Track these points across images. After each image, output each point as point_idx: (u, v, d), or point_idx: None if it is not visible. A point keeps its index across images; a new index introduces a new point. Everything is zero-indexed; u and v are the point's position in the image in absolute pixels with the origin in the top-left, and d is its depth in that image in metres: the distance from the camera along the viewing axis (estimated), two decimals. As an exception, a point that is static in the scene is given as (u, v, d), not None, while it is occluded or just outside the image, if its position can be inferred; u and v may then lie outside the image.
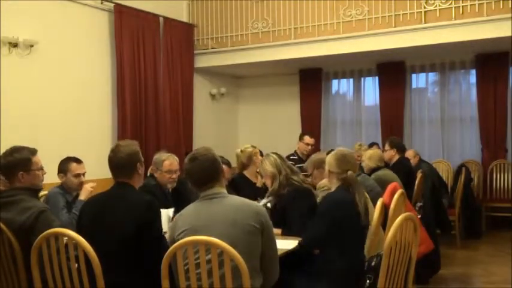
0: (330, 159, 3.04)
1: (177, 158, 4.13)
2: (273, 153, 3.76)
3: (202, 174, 2.39)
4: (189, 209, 2.40)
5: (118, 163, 2.61)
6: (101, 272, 2.28)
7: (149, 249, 2.44)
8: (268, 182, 3.68)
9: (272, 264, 2.41)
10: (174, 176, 4.02)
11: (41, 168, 2.84)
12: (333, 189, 3.01)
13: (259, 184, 4.52)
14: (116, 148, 2.66)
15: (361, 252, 2.91)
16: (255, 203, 2.45)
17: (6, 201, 2.62)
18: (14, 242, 2.51)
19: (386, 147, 5.52)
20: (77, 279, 2.33)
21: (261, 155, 4.77)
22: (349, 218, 2.81)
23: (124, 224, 2.47)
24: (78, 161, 3.76)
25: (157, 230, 2.55)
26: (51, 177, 3.37)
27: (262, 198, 3.85)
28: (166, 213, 3.27)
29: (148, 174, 4.73)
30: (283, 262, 2.59)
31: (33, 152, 2.80)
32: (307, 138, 6.45)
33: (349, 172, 2.98)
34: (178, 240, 2.23)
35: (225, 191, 2.43)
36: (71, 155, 3.86)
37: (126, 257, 2.47)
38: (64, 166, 3.70)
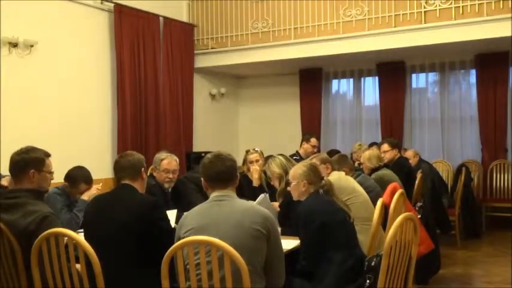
0: (306, 170, 3.01)
1: (176, 159, 4.14)
2: (279, 154, 3.82)
3: (222, 172, 2.41)
4: (197, 209, 2.42)
5: (125, 164, 2.73)
6: (100, 272, 2.28)
7: (159, 246, 2.45)
8: (276, 183, 3.73)
9: (277, 270, 2.41)
10: (171, 176, 4.03)
11: (51, 172, 2.86)
12: (304, 197, 3.00)
13: (255, 183, 4.57)
14: (124, 154, 2.86)
15: (357, 248, 2.91)
16: (263, 208, 2.46)
17: (11, 203, 2.62)
18: (14, 242, 2.51)
19: (386, 148, 5.51)
20: (77, 279, 2.34)
21: (266, 159, 4.83)
22: (332, 218, 2.82)
23: (130, 223, 2.50)
24: (89, 182, 3.75)
25: (163, 228, 2.59)
26: (50, 178, 3.38)
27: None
28: (170, 215, 3.28)
29: (148, 173, 4.75)
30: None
31: (47, 154, 2.84)
32: (314, 141, 6.39)
33: (325, 178, 3.08)
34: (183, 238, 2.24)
35: (235, 194, 2.45)
36: (71, 155, 3.86)
37: (131, 253, 2.50)
38: (75, 180, 3.69)
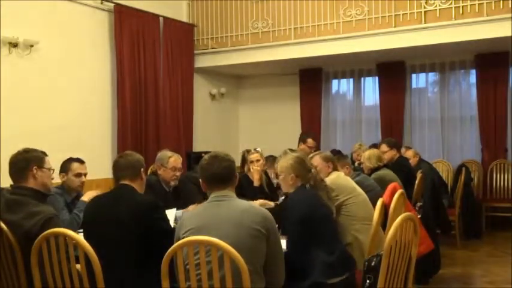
0: (293, 164, 3.00)
1: (181, 157, 4.23)
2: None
3: (220, 173, 2.41)
4: (197, 210, 2.43)
5: (125, 164, 2.74)
6: (100, 272, 2.28)
7: (158, 246, 2.45)
8: None
9: (277, 270, 2.42)
10: (178, 173, 4.10)
11: (51, 169, 2.91)
12: (292, 190, 3.01)
13: (256, 183, 4.57)
14: (123, 154, 2.87)
15: (340, 244, 2.94)
16: (263, 208, 2.46)
17: (14, 200, 2.64)
18: (15, 242, 2.51)
19: (385, 148, 5.50)
20: (77, 279, 2.34)
21: (267, 159, 4.83)
22: (315, 212, 2.83)
23: (130, 223, 2.51)
24: (80, 161, 3.81)
25: (163, 228, 2.60)
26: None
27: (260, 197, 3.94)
28: (169, 214, 3.29)
29: (149, 172, 4.78)
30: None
31: (45, 153, 2.92)
32: (311, 141, 6.36)
33: (313, 170, 3.06)
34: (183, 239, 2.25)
35: (234, 194, 2.45)
36: (71, 155, 3.87)
37: (131, 254, 2.51)
38: (66, 165, 3.74)
